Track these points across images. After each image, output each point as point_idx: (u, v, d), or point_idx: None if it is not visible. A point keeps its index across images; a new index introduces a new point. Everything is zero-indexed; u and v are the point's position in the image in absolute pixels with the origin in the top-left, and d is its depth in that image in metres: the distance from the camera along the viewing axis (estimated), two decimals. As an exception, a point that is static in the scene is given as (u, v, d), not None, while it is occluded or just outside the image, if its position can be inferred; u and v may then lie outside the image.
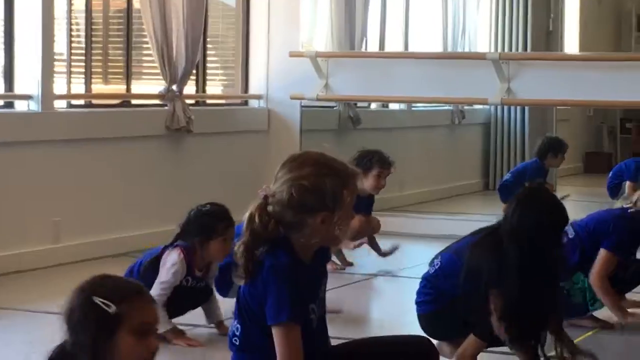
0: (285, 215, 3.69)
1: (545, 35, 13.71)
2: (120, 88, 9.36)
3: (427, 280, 5.36)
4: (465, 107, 12.98)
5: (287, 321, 3.61)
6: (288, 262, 3.71)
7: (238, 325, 3.81)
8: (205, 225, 6.10)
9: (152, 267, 5.91)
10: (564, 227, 5.25)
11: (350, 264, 8.24)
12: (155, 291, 5.78)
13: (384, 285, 8.15)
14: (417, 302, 5.44)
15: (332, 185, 3.68)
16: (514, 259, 4.79)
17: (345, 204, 3.71)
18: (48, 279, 7.62)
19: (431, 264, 5.33)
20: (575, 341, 5.33)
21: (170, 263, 5.92)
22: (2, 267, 7.70)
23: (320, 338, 3.94)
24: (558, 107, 12.14)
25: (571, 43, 15.24)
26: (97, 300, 3.24)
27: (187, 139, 9.03)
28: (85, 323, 3.26)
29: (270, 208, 3.68)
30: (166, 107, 9.03)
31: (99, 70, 9.26)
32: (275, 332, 3.65)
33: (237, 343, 3.85)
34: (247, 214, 3.73)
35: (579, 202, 12.03)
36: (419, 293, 5.43)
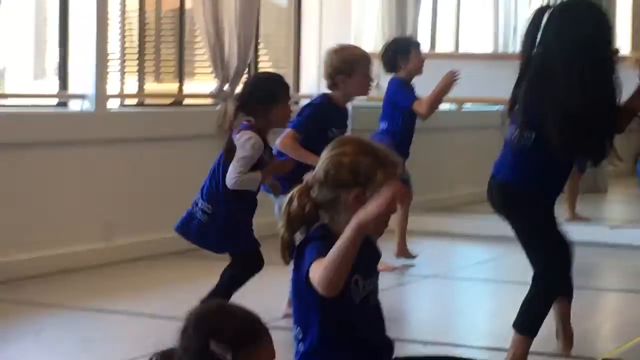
0: (322, 194, 3.69)
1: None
2: (172, 87, 9.39)
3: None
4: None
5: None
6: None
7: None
8: (268, 91, 6.16)
9: (230, 157, 5.91)
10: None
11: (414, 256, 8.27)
12: (233, 172, 5.88)
13: (434, 287, 8.10)
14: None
15: (368, 163, 3.68)
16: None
17: (379, 185, 3.67)
18: (100, 278, 7.66)
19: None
20: None
21: (245, 138, 5.94)
22: (56, 265, 7.74)
23: (371, 325, 3.85)
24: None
25: (624, 42, 15.12)
26: (215, 346, 3.21)
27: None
28: None
29: (312, 192, 3.70)
30: (218, 107, 9.05)
31: (152, 69, 9.31)
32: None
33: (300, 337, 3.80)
34: (287, 197, 3.75)
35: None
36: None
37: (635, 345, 6.13)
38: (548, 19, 5.53)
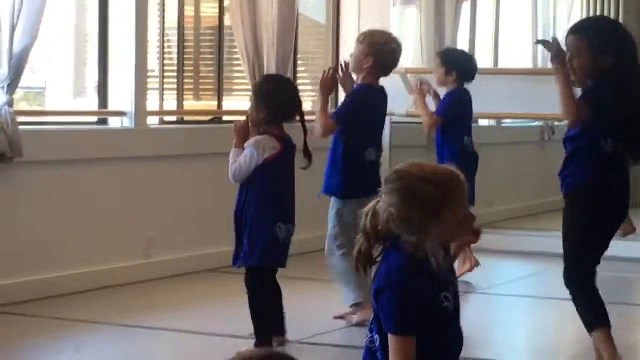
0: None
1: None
2: (211, 104, 9.41)
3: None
4: (556, 123, 12.83)
5: (395, 332, 3.51)
6: (399, 264, 3.63)
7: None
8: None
9: None
10: None
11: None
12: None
13: (474, 302, 8.04)
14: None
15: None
16: None
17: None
18: (139, 294, 7.69)
19: None
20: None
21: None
22: (96, 281, 7.77)
23: (456, 334, 3.80)
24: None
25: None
26: None
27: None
28: None
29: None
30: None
31: (191, 86, 9.33)
32: (389, 340, 3.53)
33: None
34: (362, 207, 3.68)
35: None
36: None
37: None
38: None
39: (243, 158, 6.01)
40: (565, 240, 5.66)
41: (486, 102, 9.69)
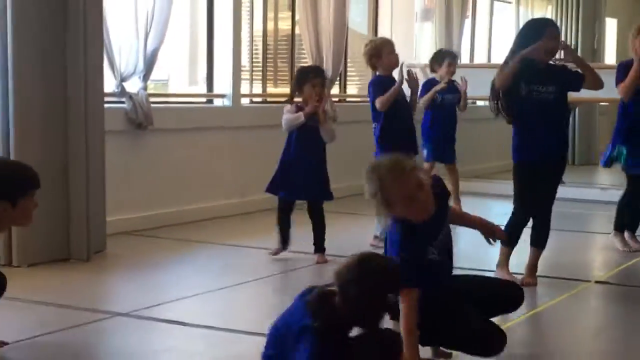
0: None
1: (590, 53, 13.30)
2: (286, 90, 9.36)
3: None
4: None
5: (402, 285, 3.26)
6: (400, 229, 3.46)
7: None
8: (298, 77, 6.26)
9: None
10: None
11: None
12: None
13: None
14: None
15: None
16: None
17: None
18: (236, 223, 7.71)
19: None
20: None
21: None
22: (207, 214, 7.83)
23: (444, 269, 3.66)
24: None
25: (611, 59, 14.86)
26: (389, 296, 3.14)
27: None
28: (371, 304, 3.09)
29: None
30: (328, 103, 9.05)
31: (271, 77, 9.32)
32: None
33: None
34: None
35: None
36: None
37: (620, 272, 6.04)
38: None
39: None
40: None
41: (481, 88, 9.63)
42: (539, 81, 5.33)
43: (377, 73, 6.75)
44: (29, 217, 3.89)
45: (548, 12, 13.61)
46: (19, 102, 5.76)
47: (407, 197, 3.36)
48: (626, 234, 6.70)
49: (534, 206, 5.47)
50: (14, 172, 3.97)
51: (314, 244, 6.13)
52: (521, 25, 12.56)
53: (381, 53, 6.57)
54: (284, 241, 6.14)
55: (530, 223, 5.54)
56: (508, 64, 5.34)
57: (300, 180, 6.05)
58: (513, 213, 5.52)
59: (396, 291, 3.15)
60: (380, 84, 6.57)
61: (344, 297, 3.06)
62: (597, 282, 5.72)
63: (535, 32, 5.35)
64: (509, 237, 5.07)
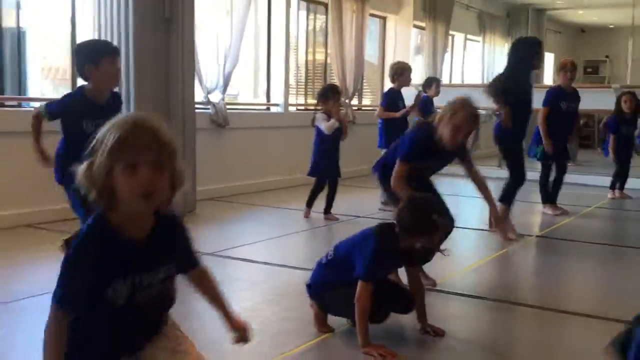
0: None
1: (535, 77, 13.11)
2: (320, 101, 9.44)
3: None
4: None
5: None
6: None
7: None
8: (324, 91, 5.88)
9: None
10: None
11: None
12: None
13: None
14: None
15: None
16: None
17: None
18: (284, 194, 7.70)
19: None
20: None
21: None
22: (263, 186, 7.84)
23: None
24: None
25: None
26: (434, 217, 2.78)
27: (356, 129, 8.97)
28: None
29: None
30: (342, 110, 9.00)
31: (310, 92, 9.32)
32: None
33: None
34: None
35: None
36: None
37: (553, 229, 5.94)
38: None
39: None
40: None
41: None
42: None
43: (393, 86, 6.73)
44: (110, 77, 3.44)
45: (505, 48, 13.49)
46: (138, 99, 5.71)
47: (457, 126, 3.42)
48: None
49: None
50: (95, 42, 3.87)
51: (328, 207, 5.99)
52: (488, 54, 12.35)
53: (403, 73, 6.55)
54: (310, 206, 6.06)
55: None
56: (499, 79, 5.20)
57: (332, 164, 5.99)
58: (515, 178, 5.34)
59: (439, 213, 2.82)
60: (390, 95, 6.61)
61: (401, 226, 2.83)
62: (537, 236, 5.67)
63: (527, 49, 5.20)
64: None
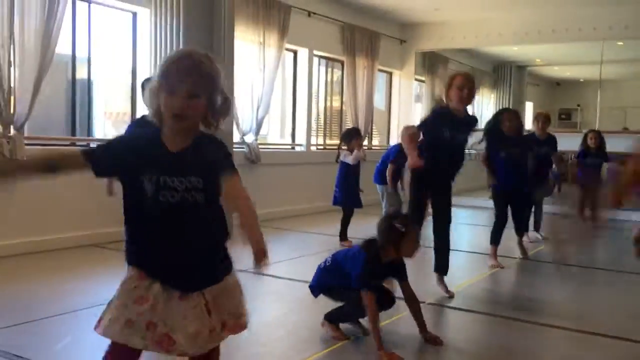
0: None
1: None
2: (335, 142, 9.33)
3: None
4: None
5: None
6: None
7: None
8: (349, 133, 5.88)
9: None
10: None
11: None
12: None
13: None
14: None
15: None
16: None
17: None
18: (307, 219, 7.60)
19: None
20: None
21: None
22: (290, 213, 7.78)
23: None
24: None
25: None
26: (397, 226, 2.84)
27: (365, 164, 8.89)
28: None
29: None
30: (355, 151, 8.99)
31: (329, 134, 9.32)
32: None
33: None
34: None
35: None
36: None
37: (533, 254, 5.83)
38: None
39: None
40: None
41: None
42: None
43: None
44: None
45: (492, 98, 13.43)
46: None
47: (459, 87, 3.54)
48: (531, 233, 6.39)
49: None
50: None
51: (344, 233, 5.81)
52: (477, 104, 12.28)
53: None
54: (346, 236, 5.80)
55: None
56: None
57: (354, 195, 5.87)
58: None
59: (402, 221, 2.83)
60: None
61: (378, 239, 2.90)
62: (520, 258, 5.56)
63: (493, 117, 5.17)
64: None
